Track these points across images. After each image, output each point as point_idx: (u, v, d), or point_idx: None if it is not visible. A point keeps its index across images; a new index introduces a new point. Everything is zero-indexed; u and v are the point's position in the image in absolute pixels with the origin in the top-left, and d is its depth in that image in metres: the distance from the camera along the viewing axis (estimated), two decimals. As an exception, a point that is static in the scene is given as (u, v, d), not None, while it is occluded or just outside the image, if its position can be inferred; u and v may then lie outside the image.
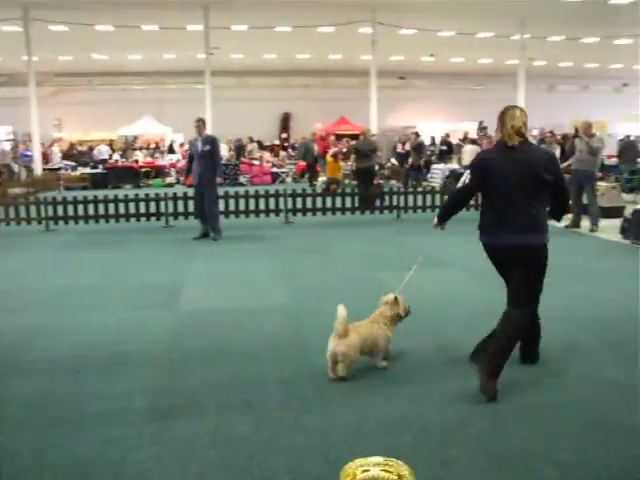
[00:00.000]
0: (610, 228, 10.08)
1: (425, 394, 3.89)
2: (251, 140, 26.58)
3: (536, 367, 4.26)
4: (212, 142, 9.77)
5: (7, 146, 25.30)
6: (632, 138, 18.99)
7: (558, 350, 4.61)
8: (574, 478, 2.91)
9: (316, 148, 19.94)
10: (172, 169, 22.61)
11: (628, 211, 10.17)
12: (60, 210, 11.49)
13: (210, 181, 9.74)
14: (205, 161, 9.60)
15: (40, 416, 3.67)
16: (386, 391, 3.95)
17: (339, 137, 26.03)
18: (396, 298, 4.48)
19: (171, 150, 26.04)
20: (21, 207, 11.65)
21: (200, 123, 9.80)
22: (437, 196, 12.57)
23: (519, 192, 3.87)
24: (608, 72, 32.40)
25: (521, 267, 3.94)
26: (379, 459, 2.01)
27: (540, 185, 3.91)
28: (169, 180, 21.99)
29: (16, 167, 22.81)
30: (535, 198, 3.91)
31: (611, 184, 12.55)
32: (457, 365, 4.35)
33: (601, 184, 11.48)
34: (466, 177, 4.45)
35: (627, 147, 16.47)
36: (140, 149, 25.22)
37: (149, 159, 23.59)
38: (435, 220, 4.64)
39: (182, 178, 19.83)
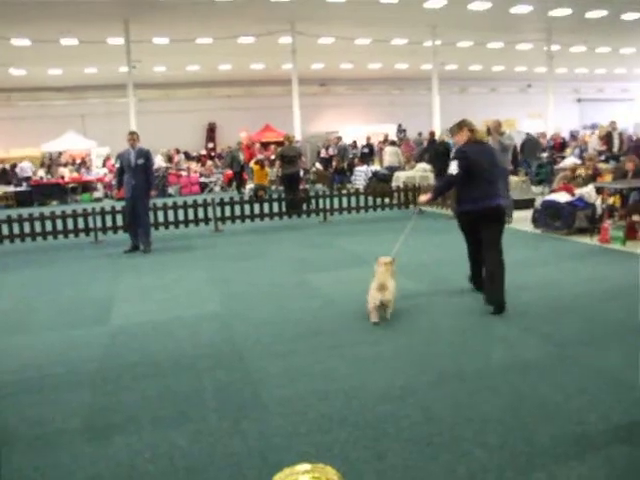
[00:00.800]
0: (522, 219, 10.71)
1: (358, 391, 3.97)
2: (178, 151, 26.78)
3: (459, 358, 4.49)
4: (146, 155, 9.86)
5: None
6: (534, 135, 20.39)
7: (481, 338, 5.02)
8: (500, 458, 3.11)
9: (242, 156, 20.47)
10: (99, 184, 22.58)
11: (538, 202, 10.92)
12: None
13: (145, 194, 9.92)
14: (139, 174, 9.68)
15: None
16: (320, 389, 4.02)
17: (265, 145, 26.71)
18: (393, 259, 5.78)
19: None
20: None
21: (134, 136, 9.83)
22: (361, 197, 13.28)
23: (489, 172, 5.64)
24: (513, 74, 34.49)
25: (495, 222, 5.63)
26: (307, 466, 2.01)
27: (497, 167, 5.88)
28: (97, 195, 21.98)
29: None
30: (496, 176, 5.80)
31: (521, 178, 13.41)
32: (387, 361, 4.49)
33: (512, 178, 12.20)
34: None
35: (528, 144, 17.80)
36: (65, 165, 24.97)
37: (75, 174, 23.44)
38: (428, 196, 6.12)
39: (112, 192, 19.84)
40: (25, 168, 22.98)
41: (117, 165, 10.26)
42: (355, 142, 24.90)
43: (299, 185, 14.06)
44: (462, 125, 5.83)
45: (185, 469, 3.15)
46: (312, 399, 3.89)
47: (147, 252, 9.81)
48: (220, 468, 3.15)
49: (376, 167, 19.10)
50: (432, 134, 17.75)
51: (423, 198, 6.22)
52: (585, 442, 3.22)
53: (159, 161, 22.48)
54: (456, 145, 6.19)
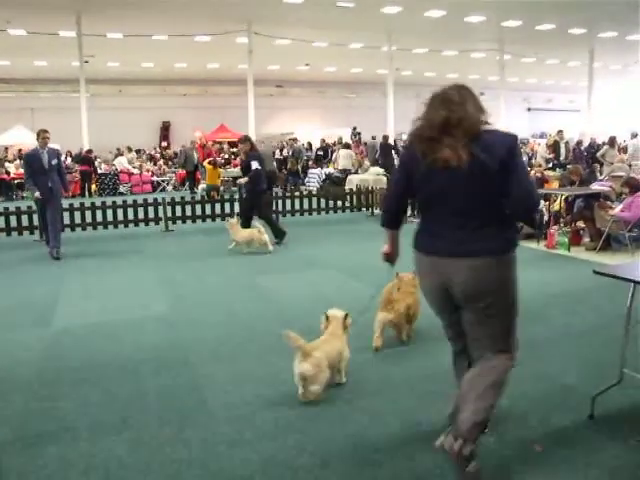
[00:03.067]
0: None
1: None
2: (130, 149, 26.27)
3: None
4: (58, 155, 9.63)
5: None
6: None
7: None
8: None
9: (196, 156, 20.26)
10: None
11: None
12: None
13: (60, 195, 9.47)
14: (54, 175, 9.17)
15: None
16: (267, 394, 3.98)
17: (218, 144, 26.51)
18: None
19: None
20: None
21: (47, 135, 9.24)
22: (314, 199, 13.28)
23: None
24: (467, 82, 34.97)
25: None
26: None
27: None
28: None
29: None
30: None
31: None
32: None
33: None
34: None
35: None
36: (12, 160, 24.17)
37: (22, 170, 22.70)
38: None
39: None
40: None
41: (24, 167, 9.77)
42: (310, 144, 24.92)
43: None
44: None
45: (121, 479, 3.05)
46: (258, 404, 3.84)
47: (58, 258, 9.08)
48: (159, 477, 3.06)
49: (330, 169, 19.16)
50: (385, 138, 17.93)
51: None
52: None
53: (123, 162, 22.09)
54: None
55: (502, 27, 23.11)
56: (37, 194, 9.10)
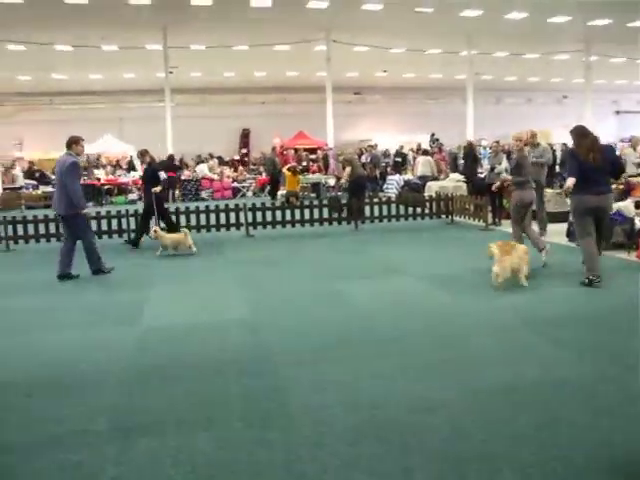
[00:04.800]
0: (557, 232, 10.40)
1: (385, 403, 3.89)
2: (211, 156, 27.08)
3: (489, 373, 4.39)
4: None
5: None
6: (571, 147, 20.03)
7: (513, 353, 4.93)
8: (533, 476, 3.01)
9: (278, 162, 20.61)
10: (134, 186, 22.96)
11: (573, 215, 10.71)
12: (20, 229, 11.40)
13: None
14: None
15: None
16: (347, 400, 3.95)
17: (297, 151, 26.88)
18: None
19: (132, 167, 26.33)
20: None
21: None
22: (393, 206, 13.17)
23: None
24: (549, 85, 34.07)
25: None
26: None
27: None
28: (131, 197, 22.33)
29: (-24, 187, 22.84)
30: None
31: (557, 190, 13.04)
32: (414, 373, 4.41)
33: (548, 190, 11.91)
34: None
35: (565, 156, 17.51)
36: (103, 167, 25.45)
37: (111, 177, 23.86)
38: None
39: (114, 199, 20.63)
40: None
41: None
42: (388, 151, 24.84)
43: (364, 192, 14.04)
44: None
45: (207, 476, 3.13)
46: (339, 409, 3.84)
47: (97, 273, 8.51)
48: (243, 476, 3.12)
49: (408, 176, 19.02)
50: (470, 144, 17.60)
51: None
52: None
53: (204, 169, 22.86)
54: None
55: (589, 27, 22.27)
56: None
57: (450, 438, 3.43)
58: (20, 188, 22.99)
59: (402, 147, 23.98)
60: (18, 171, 25.00)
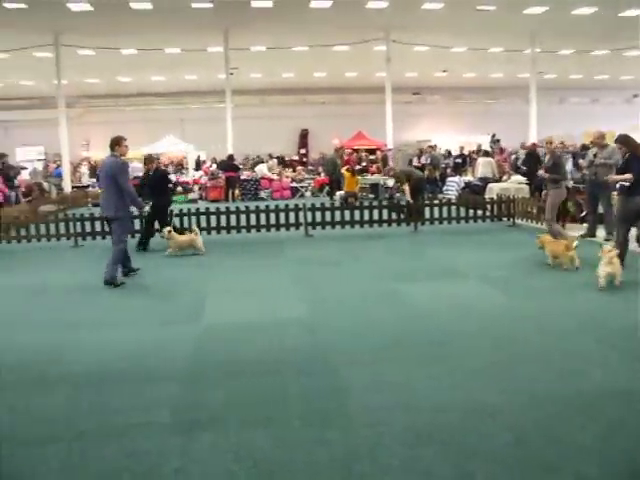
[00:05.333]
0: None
1: (445, 406, 3.86)
2: (271, 156, 27.39)
3: (553, 380, 4.27)
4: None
5: (39, 165, 26.43)
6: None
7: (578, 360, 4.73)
8: None
9: (340, 163, 20.60)
10: (195, 185, 23.46)
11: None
12: (88, 226, 11.82)
13: None
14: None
15: (66, 429, 3.72)
16: (406, 402, 3.94)
17: (357, 152, 26.87)
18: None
19: (198, 166, 26.98)
20: (51, 224, 12.19)
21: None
22: (453, 208, 12.94)
23: None
24: (618, 83, 32.84)
25: None
26: None
27: None
28: (192, 196, 22.81)
29: (47, 185, 23.84)
30: None
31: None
32: (474, 377, 4.36)
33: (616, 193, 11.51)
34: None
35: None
36: (165, 166, 26.11)
37: (172, 176, 24.45)
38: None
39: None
40: (136, 168, 24.11)
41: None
42: (448, 151, 24.51)
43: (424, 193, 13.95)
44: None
45: (268, 473, 3.18)
46: (398, 411, 3.83)
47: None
48: (303, 475, 3.14)
49: (469, 178, 18.72)
50: (534, 145, 17.20)
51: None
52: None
53: (264, 169, 23.21)
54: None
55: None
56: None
57: (510, 444, 3.37)
58: (87, 187, 23.86)
59: (463, 148, 23.59)
60: (85, 170, 25.97)
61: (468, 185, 17.41)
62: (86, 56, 23.92)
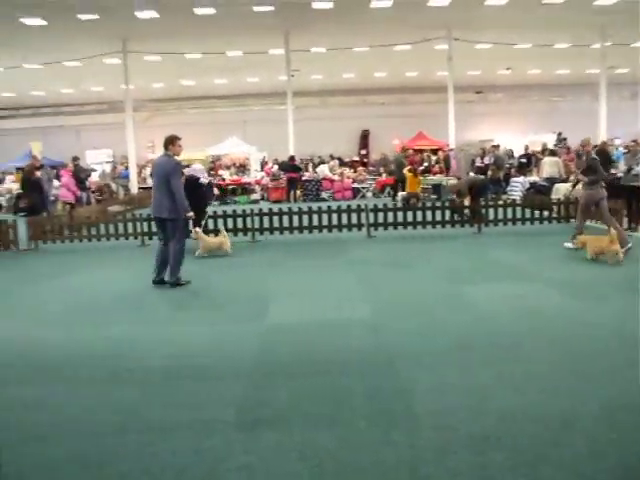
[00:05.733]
0: None
1: (512, 411, 3.76)
2: (332, 157, 27.46)
3: (629, 388, 4.08)
4: None
5: (107, 167, 27.43)
6: None
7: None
8: None
9: (406, 163, 20.46)
10: (257, 186, 23.79)
11: None
12: (154, 226, 11.79)
13: None
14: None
15: (135, 422, 3.84)
16: (473, 406, 3.87)
17: (420, 152, 26.63)
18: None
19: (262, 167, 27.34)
20: (119, 223, 12.65)
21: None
22: (517, 209, 12.60)
23: None
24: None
25: None
26: None
27: None
28: (254, 197, 23.13)
29: (115, 186, 24.70)
30: None
31: None
32: (543, 382, 4.23)
33: None
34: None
35: None
36: (227, 167, 26.61)
37: (235, 177, 24.87)
38: None
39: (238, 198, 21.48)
40: (197, 170, 24.65)
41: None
42: (512, 151, 23.93)
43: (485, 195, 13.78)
44: None
45: (333, 472, 3.17)
46: (465, 415, 3.76)
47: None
48: (368, 475, 3.12)
49: (534, 178, 18.24)
50: (603, 144, 16.60)
51: None
52: None
53: (325, 170, 23.33)
54: None
55: None
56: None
57: (584, 455, 3.24)
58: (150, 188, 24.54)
59: (527, 147, 22.97)
60: (150, 171, 26.71)
61: (533, 185, 16.98)
62: (152, 61, 24.62)
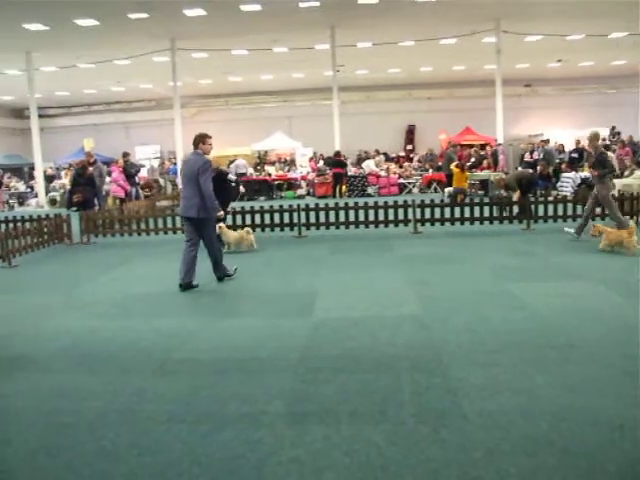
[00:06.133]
0: None
1: (567, 413, 3.67)
2: (377, 152, 27.34)
3: None
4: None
5: (156, 163, 27.98)
6: None
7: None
8: None
9: (456, 159, 20.22)
10: (303, 181, 23.88)
11: None
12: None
13: None
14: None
15: (187, 413, 3.92)
16: (525, 407, 3.80)
17: (463, 147, 26.23)
18: None
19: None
20: (167, 218, 12.93)
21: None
22: (569, 205, 12.30)
23: None
24: None
25: None
26: None
27: None
28: (300, 192, 23.23)
29: (163, 182, 25.18)
30: None
31: None
32: (599, 384, 4.11)
33: None
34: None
35: None
36: (272, 163, 26.80)
37: (281, 172, 25.03)
38: None
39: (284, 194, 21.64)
40: (240, 165, 24.92)
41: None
42: (562, 146, 23.35)
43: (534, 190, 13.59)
44: None
45: (381, 468, 3.16)
46: (516, 416, 3.68)
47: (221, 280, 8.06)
48: (417, 473, 3.10)
49: (586, 173, 17.74)
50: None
51: None
52: None
53: (371, 165, 23.28)
54: None
55: None
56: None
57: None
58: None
59: (579, 142, 22.36)
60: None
61: (585, 181, 16.51)
62: (199, 58, 24.95)
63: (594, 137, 10.30)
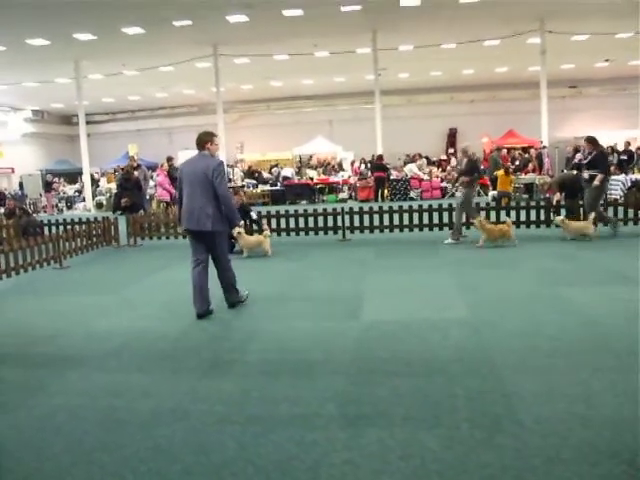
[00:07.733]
0: None
1: (629, 423, 3.54)
2: (420, 156, 27.16)
3: None
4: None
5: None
6: None
7: None
8: None
9: (500, 162, 19.92)
10: (345, 185, 23.89)
11: None
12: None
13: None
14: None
15: (238, 413, 3.93)
16: (583, 414, 3.69)
17: (510, 151, 25.86)
18: None
19: (341, 167, 27.44)
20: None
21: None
22: (619, 209, 11.94)
23: None
24: None
25: None
26: None
27: None
28: (342, 196, 23.23)
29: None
30: None
31: None
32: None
33: None
34: None
35: None
36: (315, 167, 26.89)
37: (323, 176, 25.07)
38: None
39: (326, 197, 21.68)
40: (287, 171, 25.13)
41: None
42: (612, 148, 22.78)
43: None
44: None
45: (437, 472, 3.11)
46: (574, 423, 3.57)
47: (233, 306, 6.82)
48: (474, 479, 3.04)
49: (637, 176, 17.29)
50: None
51: None
52: None
53: (413, 168, 23.15)
54: None
55: None
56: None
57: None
58: (242, 187, 25.22)
59: (629, 144, 21.75)
60: (237, 172, 27.44)
61: (636, 184, 16.08)
62: (241, 64, 25.22)
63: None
